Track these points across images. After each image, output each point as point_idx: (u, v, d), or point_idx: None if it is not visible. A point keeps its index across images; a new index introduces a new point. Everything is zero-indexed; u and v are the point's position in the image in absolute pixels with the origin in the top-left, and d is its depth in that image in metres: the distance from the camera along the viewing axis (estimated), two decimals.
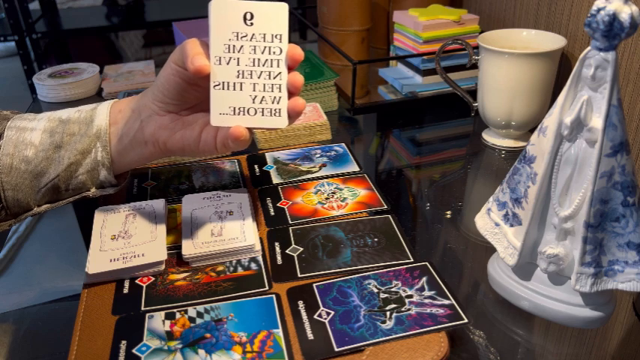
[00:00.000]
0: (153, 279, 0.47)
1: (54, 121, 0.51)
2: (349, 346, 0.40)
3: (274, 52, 0.46)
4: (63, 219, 0.62)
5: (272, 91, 0.46)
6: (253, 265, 0.48)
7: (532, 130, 0.43)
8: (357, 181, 0.61)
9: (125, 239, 0.49)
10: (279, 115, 0.47)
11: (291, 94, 0.47)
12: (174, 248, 0.50)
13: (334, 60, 0.96)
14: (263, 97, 0.46)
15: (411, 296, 0.44)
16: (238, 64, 0.46)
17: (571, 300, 0.43)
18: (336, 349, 0.39)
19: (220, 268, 0.48)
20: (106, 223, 0.51)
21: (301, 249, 0.50)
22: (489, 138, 0.74)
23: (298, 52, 0.47)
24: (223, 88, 0.45)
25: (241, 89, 0.46)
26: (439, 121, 0.82)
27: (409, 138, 0.78)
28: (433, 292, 0.45)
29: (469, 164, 0.71)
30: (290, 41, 0.47)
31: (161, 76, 0.48)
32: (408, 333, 0.41)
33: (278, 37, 0.46)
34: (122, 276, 0.47)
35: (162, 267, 0.47)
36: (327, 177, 0.62)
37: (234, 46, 0.45)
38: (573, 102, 0.39)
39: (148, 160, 0.53)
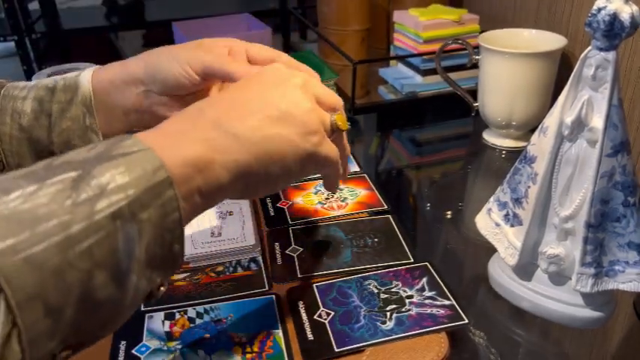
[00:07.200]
0: None
1: (42, 89, 0.51)
2: (349, 347, 0.40)
3: None
4: None
5: None
6: (253, 265, 0.48)
7: (532, 130, 0.43)
8: (357, 181, 0.61)
9: None
10: None
11: None
12: None
13: (334, 60, 0.96)
14: None
15: (411, 296, 0.44)
16: None
17: (571, 300, 0.42)
18: (336, 350, 0.39)
19: (220, 268, 0.48)
20: None
21: (301, 249, 0.50)
22: (490, 138, 0.74)
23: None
24: None
25: None
26: (439, 121, 0.82)
27: (409, 138, 0.78)
28: (433, 293, 0.45)
29: (469, 164, 0.71)
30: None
31: (164, 69, 0.45)
32: (408, 333, 0.41)
33: None
34: None
35: None
36: None
37: None
38: (574, 102, 0.39)
39: (144, 128, 0.51)
